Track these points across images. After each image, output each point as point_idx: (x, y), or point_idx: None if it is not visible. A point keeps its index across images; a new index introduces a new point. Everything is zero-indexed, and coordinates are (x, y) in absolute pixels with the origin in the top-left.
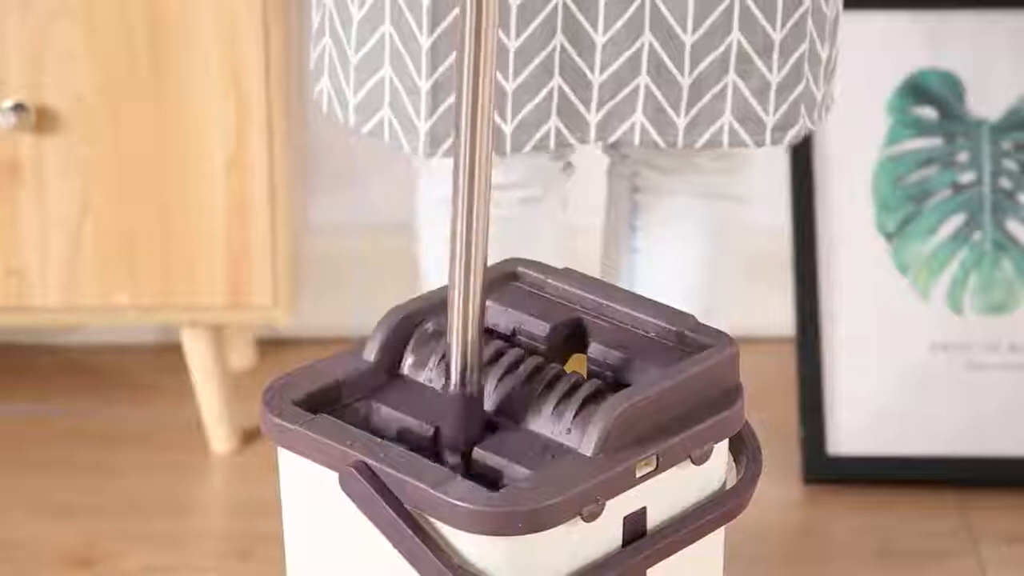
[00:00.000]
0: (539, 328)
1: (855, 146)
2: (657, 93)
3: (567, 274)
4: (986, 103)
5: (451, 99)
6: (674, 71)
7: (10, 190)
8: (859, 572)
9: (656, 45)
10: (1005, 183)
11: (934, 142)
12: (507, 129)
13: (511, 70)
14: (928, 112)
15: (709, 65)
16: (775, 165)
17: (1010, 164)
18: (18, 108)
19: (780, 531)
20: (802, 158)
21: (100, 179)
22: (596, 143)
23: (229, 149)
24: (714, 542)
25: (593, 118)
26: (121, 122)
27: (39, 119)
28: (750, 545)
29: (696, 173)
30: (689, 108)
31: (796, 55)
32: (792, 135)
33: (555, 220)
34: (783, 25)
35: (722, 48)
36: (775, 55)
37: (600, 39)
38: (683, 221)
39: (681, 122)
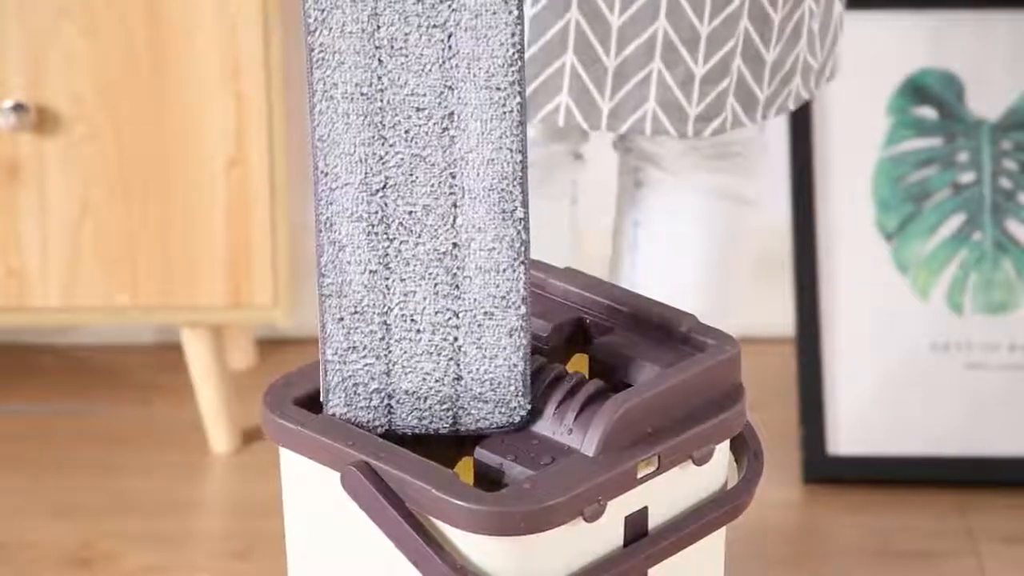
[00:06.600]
0: (541, 328)
1: (855, 146)
2: (583, 74)
3: (569, 274)
4: (986, 103)
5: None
6: (600, 52)
7: (10, 190)
8: (859, 572)
9: (583, 24)
10: (1005, 183)
11: (934, 142)
12: None
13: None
14: (928, 112)
15: (635, 50)
16: (775, 164)
17: (1010, 164)
18: (18, 108)
19: (780, 531)
20: (802, 158)
21: (100, 179)
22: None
23: (229, 149)
24: (715, 542)
25: None
26: (121, 122)
27: (39, 119)
28: (750, 545)
29: (701, 171)
30: (614, 93)
31: (724, 50)
32: (714, 127)
33: (564, 213)
34: (711, 20)
35: (647, 35)
36: (702, 47)
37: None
38: (686, 219)
39: (605, 106)
